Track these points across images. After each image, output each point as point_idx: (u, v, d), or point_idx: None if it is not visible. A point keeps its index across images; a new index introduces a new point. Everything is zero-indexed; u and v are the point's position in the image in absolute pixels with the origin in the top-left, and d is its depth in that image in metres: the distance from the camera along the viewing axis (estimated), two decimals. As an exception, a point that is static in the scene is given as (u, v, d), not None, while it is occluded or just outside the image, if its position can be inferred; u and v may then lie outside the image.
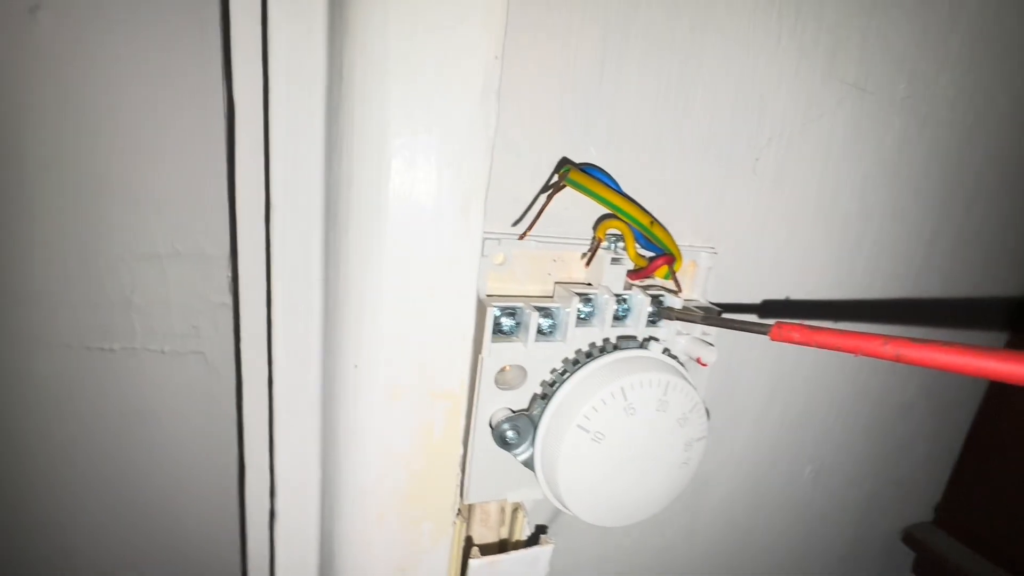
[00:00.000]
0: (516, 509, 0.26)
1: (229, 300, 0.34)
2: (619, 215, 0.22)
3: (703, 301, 0.27)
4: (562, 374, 0.22)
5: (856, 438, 0.38)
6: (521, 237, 0.21)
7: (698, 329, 0.25)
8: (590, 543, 0.32)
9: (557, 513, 0.30)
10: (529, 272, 0.24)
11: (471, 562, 0.22)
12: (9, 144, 0.27)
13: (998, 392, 0.40)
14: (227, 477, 0.36)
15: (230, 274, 0.32)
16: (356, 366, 0.20)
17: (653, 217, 0.22)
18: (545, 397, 0.22)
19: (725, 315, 0.23)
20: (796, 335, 0.15)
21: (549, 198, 0.21)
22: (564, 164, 0.22)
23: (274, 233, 0.20)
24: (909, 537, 0.42)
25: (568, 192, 0.24)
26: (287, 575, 0.25)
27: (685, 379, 0.22)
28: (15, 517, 0.34)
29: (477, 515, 0.26)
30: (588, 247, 0.24)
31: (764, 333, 0.17)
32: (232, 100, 0.21)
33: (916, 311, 0.35)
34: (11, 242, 0.29)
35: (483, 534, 0.26)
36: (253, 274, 0.20)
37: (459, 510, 0.24)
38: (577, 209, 0.24)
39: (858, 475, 0.39)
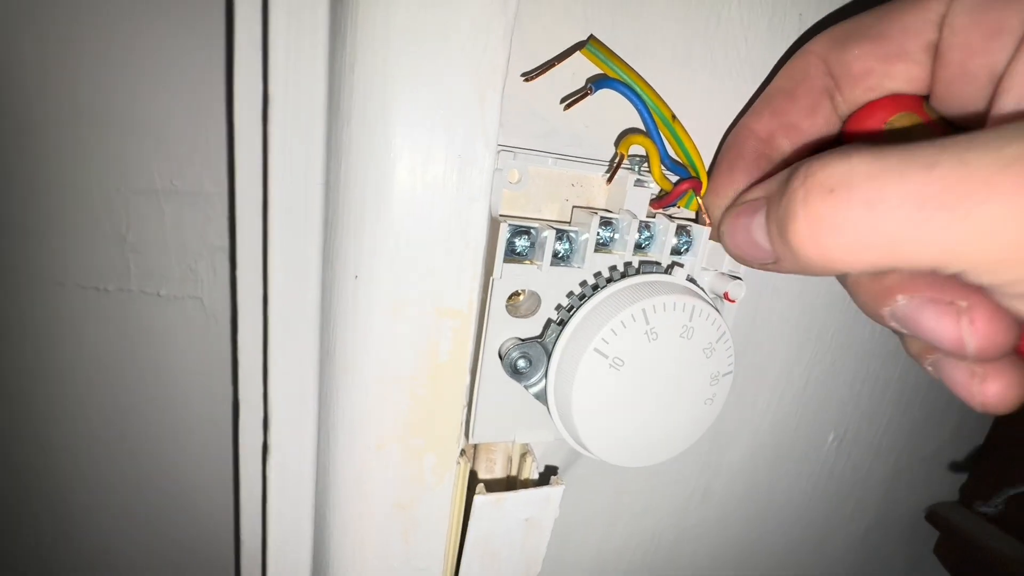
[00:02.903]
0: (524, 455, 0.25)
1: (228, 243, 0.32)
2: (637, 94, 0.20)
3: (730, 237, 0.25)
4: (580, 298, 0.20)
5: (883, 406, 0.36)
6: (527, 79, 0.20)
7: (724, 265, 0.23)
8: (599, 503, 0.30)
9: (567, 465, 0.28)
10: (546, 194, 0.22)
11: (476, 498, 0.21)
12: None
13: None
14: (223, 424, 0.34)
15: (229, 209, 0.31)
16: (356, 276, 0.18)
17: (674, 113, 0.21)
18: (561, 323, 0.20)
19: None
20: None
21: (563, 56, 0.20)
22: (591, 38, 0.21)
23: (272, 127, 0.18)
24: (933, 516, 0.40)
25: (590, 110, 0.22)
26: (280, 513, 0.23)
27: (712, 306, 0.20)
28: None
29: (482, 462, 0.25)
30: (609, 166, 0.22)
31: None
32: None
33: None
34: (3, 172, 0.28)
35: (488, 481, 0.25)
36: (250, 169, 0.19)
37: (463, 451, 0.23)
38: (600, 128, 0.22)
39: (883, 447, 0.37)
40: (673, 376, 0.20)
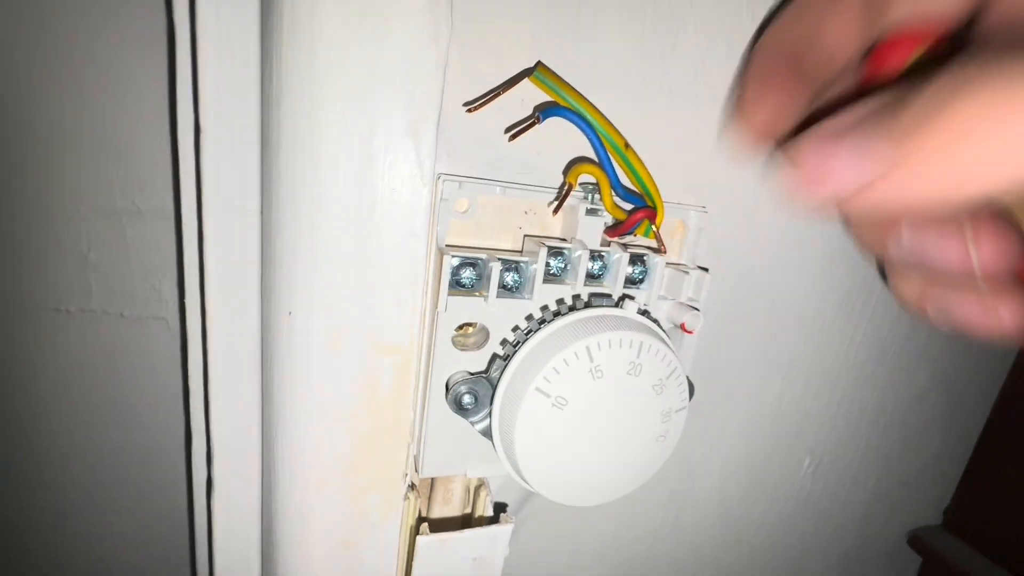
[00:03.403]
0: (479, 488, 0.24)
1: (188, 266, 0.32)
2: (588, 123, 0.19)
3: (692, 265, 0.24)
4: (526, 333, 0.20)
5: (860, 430, 0.35)
6: (470, 110, 0.19)
7: (683, 294, 0.23)
8: (564, 532, 0.30)
9: (528, 495, 0.28)
10: (497, 224, 0.22)
11: (419, 539, 0.20)
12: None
13: (1017, 382, 0.37)
14: (181, 450, 0.34)
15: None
16: (290, 312, 0.18)
17: (627, 141, 0.20)
18: (506, 358, 0.20)
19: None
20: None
21: (508, 85, 0.19)
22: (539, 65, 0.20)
23: (205, 158, 0.18)
24: (915, 540, 0.40)
25: (542, 136, 0.21)
26: (226, 550, 0.23)
27: (663, 341, 0.19)
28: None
29: (439, 493, 0.24)
30: (557, 195, 0.21)
31: None
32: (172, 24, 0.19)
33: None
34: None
35: (445, 514, 0.24)
36: (189, 199, 0.18)
37: (413, 484, 0.22)
38: (553, 155, 0.22)
39: (861, 472, 0.37)
40: (620, 415, 0.19)
